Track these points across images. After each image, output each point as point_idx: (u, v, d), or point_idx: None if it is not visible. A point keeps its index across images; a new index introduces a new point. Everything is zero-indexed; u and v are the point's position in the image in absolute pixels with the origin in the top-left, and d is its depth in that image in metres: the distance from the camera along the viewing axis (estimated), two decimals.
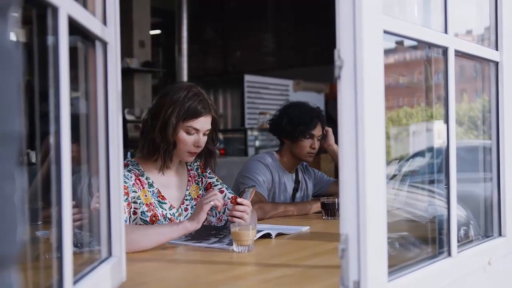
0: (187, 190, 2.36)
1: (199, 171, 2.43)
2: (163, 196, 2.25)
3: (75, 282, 1.09)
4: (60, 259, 1.02)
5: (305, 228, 2.36)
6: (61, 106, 1.01)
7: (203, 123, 2.21)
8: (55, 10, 1.00)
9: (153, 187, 2.24)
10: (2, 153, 0.56)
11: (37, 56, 1.05)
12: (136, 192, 2.16)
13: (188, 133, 2.20)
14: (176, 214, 2.28)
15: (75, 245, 1.26)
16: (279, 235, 2.19)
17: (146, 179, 2.23)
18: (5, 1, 0.58)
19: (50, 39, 1.02)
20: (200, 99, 2.21)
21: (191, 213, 2.31)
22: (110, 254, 1.38)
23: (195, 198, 2.37)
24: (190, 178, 2.39)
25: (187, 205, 2.34)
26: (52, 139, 1.02)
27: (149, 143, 2.21)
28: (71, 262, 1.03)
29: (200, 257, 1.81)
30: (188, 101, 2.17)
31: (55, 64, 1.01)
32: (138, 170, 2.23)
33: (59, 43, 1.01)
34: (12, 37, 0.60)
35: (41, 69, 1.05)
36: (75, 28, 1.12)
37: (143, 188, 2.20)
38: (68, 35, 1.04)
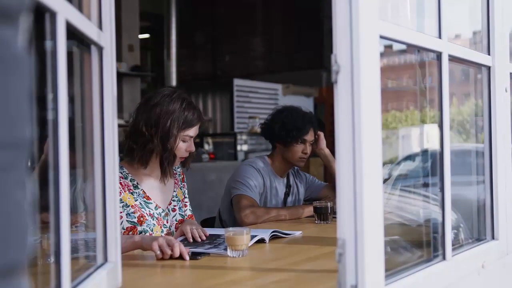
0: (174, 191, 2.42)
1: (180, 177, 2.51)
2: (148, 196, 2.30)
3: None
4: (58, 265, 1.01)
5: (298, 233, 2.36)
6: (59, 110, 1.01)
7: (196, 130, 2.32)
8: (53, 15, 0.99)
9: (139, 188, 2.28)
10: (13, 160, 0.56)
11: (34, 61, 1.04)
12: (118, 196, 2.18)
13: (184, 141, 2.29)
14: (163, 214, 2.33)
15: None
16: (273, 238, 2.19)
17: (131, 181, 2.28)
18: (15, 8, 0.58)
19: (47, 44, 1.02)
20: (194, 108, 2.30)
21: (179, 213, 2.40)
22: (106, 260, 1.37)
23: (181, 200, 2.44)
24: (176, 181, 2.46)
25: (174, 205, 2.40)
26: (50, 144, 1.01)
27: (148, 153, 2.25)
28: (69, 268, 1.03)
29: (194, 262, 1.81)
30: (184, 111, 2.26)
31: (53, 69, 1.01)
32: (122, 173, 2.25)
33: (57, 47, 1.01)
34: (22, 44, 0.60)
35: (38, 74, 1.04)
36: (71, 32, 1.11)
37: (125, 191, 2.23)
38: (66, 39, 1.03)
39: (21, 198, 0.56)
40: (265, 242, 2.13)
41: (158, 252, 1.83)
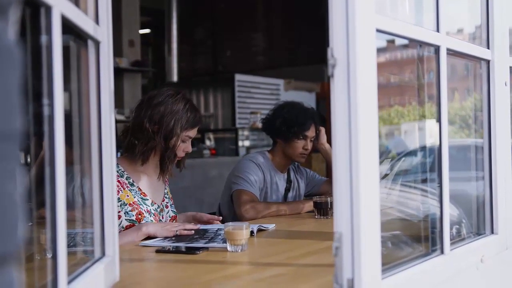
0: (165, 189, 2.48)
1: (167, 177, 2.54)
2: (144, 193, 2.33)
3: (69, 282, 1.09)
4: (54, 259, 1.01)
5: (271, 226, 2.38)
6: (55, 106, 1.01)
7: (195, 131, 2.37)
8: (48, 9, 0.99)
9: (134, 186, 2.31)
10: (4, 151, 0.56)
11: (29, 55, 1.04)
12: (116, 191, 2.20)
13: (183, 141, 2.33)
14: (158, 210, 2.37)
15: (68, 245, 1.26)
16: (259, 231, 2.24)
17: (126, 179, 2.30)
18: (4, 1, 0.58)
19: (43, 38, 1.02)
20: (196, 110, 2.35)
21: (171, 210, 2.45)
22: (103, 254, 1.37)
23: (171, 198, 2.50)
24: (166, 179, 2.50)
25: (166, 202, 2.46)
26: (45, 140, 1.01)
27: (149, 150, 2.28)
28: (66, 262, 1.03)
29: (193, 257, 1.81)
30: (188, 112, 2.30)
31: (48, 63, 1.01)
32: (117, 171, 2.26)
33: (53, 42, 1.00)
34: (12, 36, 0.60)
35: (33, 68, 1.04)
36: (67, 27, 1.11)
37: (124, 189, 2.24)
38: (61, 34, 1.03)
39: (12, 189, 0.56)
40: (253, 235, 2.14)
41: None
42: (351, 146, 1.17)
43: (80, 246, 1.48)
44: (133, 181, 2.31)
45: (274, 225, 2.41)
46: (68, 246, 1.14)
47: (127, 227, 2.20)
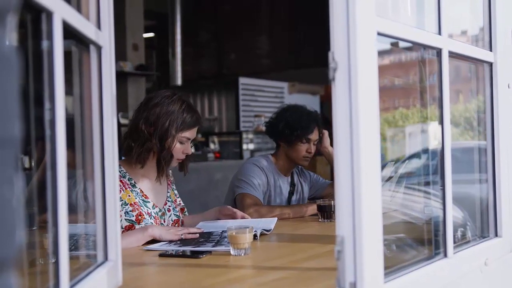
0: (168, 192, 2.47)
1: (172, 179, 2.56)
2: (146, 195, 2.34)
3: (71, 287, 1.09)
4: (56, 264, 1.02)
5: (273, 220, 2.41)
6: (56, 110, 1.01)
7: (193, 132, 2.36)
8: (49, 14, 1.00)
9: (136, 187, 2.32)
10: (2, 157, 0.56)
11: (31, 60, 1.05)
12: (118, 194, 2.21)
13: (181, 142, 2.33)
14: (160, 214, 2.37)
15: (70, 249, 1.26)
16: (262, 234, 2.24)
17: (129, 180, 2.31)
18: (3, 6, 0.58)
19: (44, 43, 1.02)
20: (193, 110, 2.35)
21: (174, 214, 2.45)
22: (106, 258, 1.37)
23: (174, 201, 2.49)
24: (169, 182, 2.51)
25: (169, 206, 2.45)
26: (47, 144, 1.02)
27: (146, 152, 2.28)
28: (67, 267, 1.03)
29: (196, 261, 1.81)
30: (183, 113, 2.30)
31: (49, 69, 1.01)
32: (120, 172, 2.27)
33: (54, 47, 1.01)
34: (11, 41, 0.60)
35: (35, 73, 1.05)
36: (69, 32, 1.11)
37: (126, 189, 2.27)
38: (62, 39, 1.04)
39: (9, 195, 0.57)
40: (257, 239, 2.14)
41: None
42: (352, 149, 1.17)
43: (83, 249, 1.48)
44: (134, 182, 2.32)
45: (276, 218, 2.44)
46: (70, 249, 1.14)
47: (126, 228, 2.21)
